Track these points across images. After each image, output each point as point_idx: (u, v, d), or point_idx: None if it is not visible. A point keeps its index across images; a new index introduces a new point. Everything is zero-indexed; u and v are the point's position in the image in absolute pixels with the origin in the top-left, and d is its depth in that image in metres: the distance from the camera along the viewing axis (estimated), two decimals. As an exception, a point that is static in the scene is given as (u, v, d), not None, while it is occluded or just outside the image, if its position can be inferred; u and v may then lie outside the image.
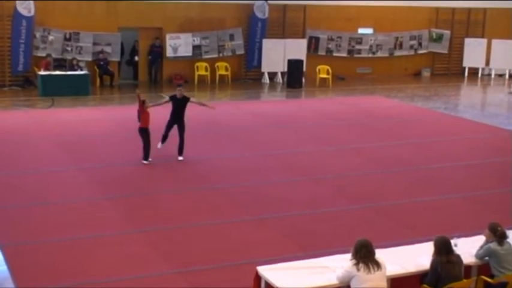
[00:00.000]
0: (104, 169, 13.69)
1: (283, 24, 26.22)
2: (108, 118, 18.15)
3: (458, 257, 7.58)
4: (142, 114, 13.68)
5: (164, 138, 14.52)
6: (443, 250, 7.49)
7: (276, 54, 25.43)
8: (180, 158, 14.29)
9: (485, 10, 29.39)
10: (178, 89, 14.36)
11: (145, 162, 13.90)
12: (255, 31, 25.51)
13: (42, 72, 21.59)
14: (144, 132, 13.74)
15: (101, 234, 10.19)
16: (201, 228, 10.53)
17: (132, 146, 14.65)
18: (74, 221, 10.70)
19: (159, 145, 14.52)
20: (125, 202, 11.71)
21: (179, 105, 14.24)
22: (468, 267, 7.88)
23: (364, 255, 7.07)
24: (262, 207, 11.62)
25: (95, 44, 23.25)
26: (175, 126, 14.37)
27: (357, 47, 27.47)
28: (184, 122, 14.30)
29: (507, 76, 28.54)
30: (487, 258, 7.95)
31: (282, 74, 25.77)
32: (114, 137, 14.52)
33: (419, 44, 28.65)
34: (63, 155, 14.62)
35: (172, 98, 14.31)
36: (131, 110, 14.60)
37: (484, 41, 28.68)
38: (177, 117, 14.28)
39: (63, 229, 10.36)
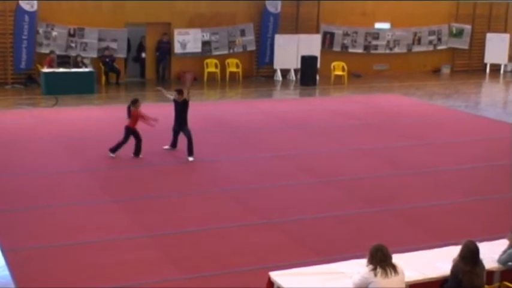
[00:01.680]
0: (111, 171, 13.62)
1: (297, 19, 25.82)
2: (114, 117, 17.89)
3: (482, 268, 7.37)
4: (135, 115, 14.13)
5: (173, 144, 14.76)
6: (470, 259, 7.25)
7: (289, 51, 25.06)
8: (191, 158, 14.24)
9: (508, 4, 28.99)
10: (176, 93, 14.61)
11: (115, 155, 14.20)
12: (267, 26, 25.19)
13: (46, 70, 21.30)
14: (130, 131, 14.19)
15: (108, 238, 10.08)
16: (211, 232, 10.44)
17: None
18: (80, 225, 10.59)
19: (165, 146, 14.88)
20: (132, 205, 11.57)
21: (180, 109, 14.31)
22: (490, 273, 7.78)
23: (380, 259, 6.96)
24: (274, 210, 11.50)
25: (100, 40, 22.93)
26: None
27: (374, 42, 27.06)
28: (188, 128, 14.31)
29: (530, 73, 28.40)
30: (510, 263, 7.87)
31: (295, 71, 25.45)
32: (120, 138, 14.39)
33: (439, 40, 28.22)
34: (67, 156, 14.47)
35: (174, 101, 14.52)
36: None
37: (507, 36, 28.35)
38: (179, 123, 14.45)
39: (69, 233, 10.25)
